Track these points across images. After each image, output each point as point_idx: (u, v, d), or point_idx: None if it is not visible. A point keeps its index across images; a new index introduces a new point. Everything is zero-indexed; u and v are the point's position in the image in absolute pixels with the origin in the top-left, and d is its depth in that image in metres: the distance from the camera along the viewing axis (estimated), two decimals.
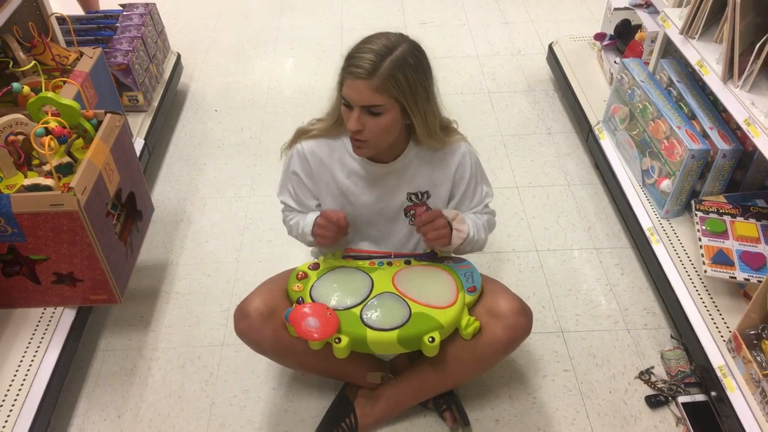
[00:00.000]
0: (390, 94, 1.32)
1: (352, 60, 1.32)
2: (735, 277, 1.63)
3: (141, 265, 2.09)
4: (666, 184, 1.92)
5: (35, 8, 2.15)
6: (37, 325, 1.67)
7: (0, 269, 1.61)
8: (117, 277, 1.68)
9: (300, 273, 1.54)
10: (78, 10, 3.02)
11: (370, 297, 1.48)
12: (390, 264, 1.58)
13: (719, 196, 1.89)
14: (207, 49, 3.33)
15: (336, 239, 1.52)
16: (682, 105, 2.00)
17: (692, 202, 1.86)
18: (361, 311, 1.44)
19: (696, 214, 1.81)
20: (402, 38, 1.36)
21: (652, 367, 1.77)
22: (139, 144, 2.32)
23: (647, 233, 1.95)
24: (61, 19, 2.31)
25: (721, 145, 1.80)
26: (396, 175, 1.52)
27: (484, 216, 1.63)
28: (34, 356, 1.59)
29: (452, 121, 1.57)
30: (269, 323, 1.46)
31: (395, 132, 1.41)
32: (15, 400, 1.50)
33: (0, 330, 1.66)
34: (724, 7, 1.74)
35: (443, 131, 1.50)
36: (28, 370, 1.56)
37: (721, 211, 1.81)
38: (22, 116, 1.61)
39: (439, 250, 1.60)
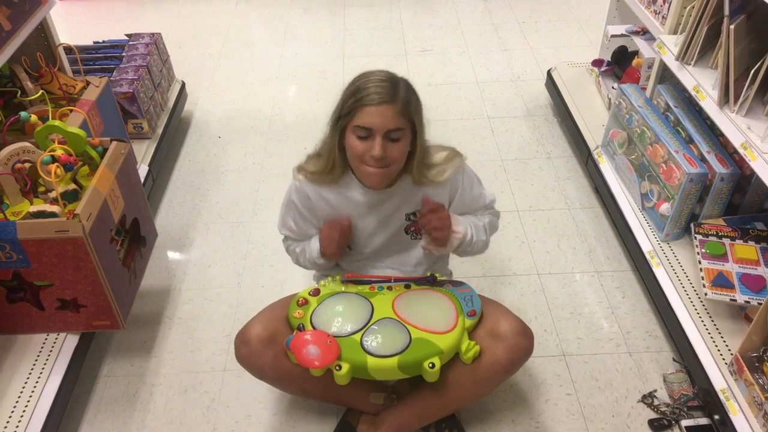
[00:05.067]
0: (408, 117, 1.38)
1: (365, 91, 1.35)
2: (735, 300, 1.64)
3: (144, 291, 2.10)
4: (665, 208, 1.94)
5: (43, 39, 2.20)
6: (40, 351, 1.68)
7: (4, 295, 1.62)
8: (120, 303, 1.69)
9: (300, 299, 1.55)
10: (85, 41, 3.07)
11: (370, 323, 1.49)
12: (390, 289, 1.59)
13: (718, 219, 1.90)
14: (211, 77, 3.38)
15: (342, 241, 1.54)
16: (680, 129, 2.03)
17: (691, 225, 1.88)
18: (362, 338, 1.45)
19: (695, 237, 1.82)
20: (390, 71, 1.43)
21: (655, 391, 1.76)
22: (143, 171, 2.35)
23: (647, 256, 1.96)
24: (68, 49, 2.36)
25: (719, 168, 1.82)
26: (394, 199, 1.54)
27: (486, 217, 1.64)
28: (37, 382, 1.60)
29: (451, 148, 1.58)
30: (269, 349, 1.47)
31: (405, 158, 1.45)
32: (17, 425, 1.50)
33: (3, 355, 1.66)
34: (718, 34, 1.78)
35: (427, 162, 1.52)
36: (31, 395, 1.56)
37: (720, 233, 1.82)
38: (30, 144, 1.64)
39: (437, 251, 1.58)
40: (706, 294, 1.66)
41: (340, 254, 1.60)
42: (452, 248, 1.55)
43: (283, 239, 1.72)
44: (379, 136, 1.36)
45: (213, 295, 2.12)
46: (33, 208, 1.53)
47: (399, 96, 1.36)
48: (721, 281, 1.68)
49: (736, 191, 1.89)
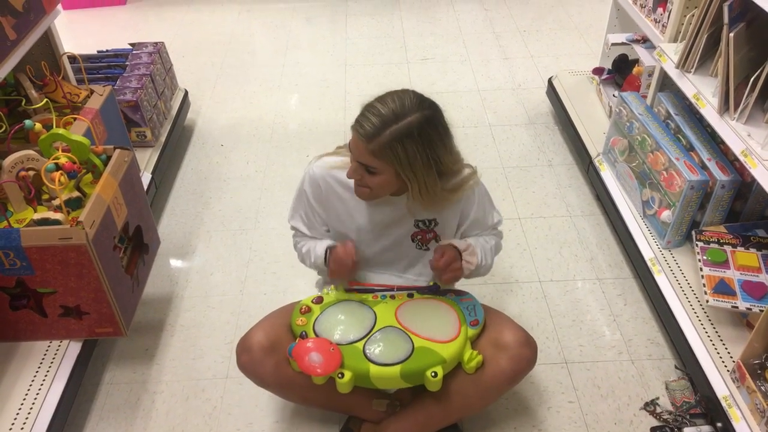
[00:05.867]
0: (386, 160, 1.34)
1: (361, 116, 1.35)
2: (737, 307, 1.64)
3: (146, 298, 2.10)
4: (666, 215, 1.94)
5: (48, 48, 2.21)
6: (43, 358, 1.68)
7: (7, 302, 1.63)
8: (123, 310, 1.70)
9: (303, 307, 1.56)
10: (89, 49, 3.09)
11: (373, 331, 1.49)
12: (393, 297, 1.59)
13: (719, 227, 1.90)
14: (214, 86, 3.40)
15: (349, 275, 1.57)
16: (680, 137, 2.04)
17: (693, 232, 1.88)
18: (364, 346, 1.45)
19: (697, 245, 1.83)
20: (418, 105, 1.34)
21: (657, 398, 1.76)
22: (146, 178, 2.36)
23: (649, 264, 1.96)
24: (73, 58, 2.38)
25: (720, 176, 1.82)
26: (404, 205, 1.54)
27: (492, 239, 1.64)
28: (39, 389, 1.60)
29: (468, 166, 1.56)
30: (271, 357, 1.47)
31: (394, 187, 1.44)
32: None
33: (6, 363, 1.67)
34: (718, 42, 1.79)
35: (451, 186, 1.48)
36: (33, 403, 1.57)
37: (721, 241, 1.83)
38: (34, 152, 1.65)
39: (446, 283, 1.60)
40: (707, 301, 1.66)
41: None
42: (462, 277, 1.57)
43: (293, 234, 1.70)
44: (354, 161, 1.39)
45: (215, 302, 2.13)
46: (37, 216, 1.54)
47: (377, 140, 1.31)
48: (722, 288, 1.68)
49: (737, 198, 1.89)
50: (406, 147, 1.32)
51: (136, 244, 1.88)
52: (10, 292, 1.61)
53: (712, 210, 1.89)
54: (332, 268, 1.56)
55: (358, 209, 1.55)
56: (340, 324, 1.51)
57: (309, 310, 1.55)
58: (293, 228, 1.67)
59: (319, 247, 1.59)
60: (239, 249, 2.34)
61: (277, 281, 2.19)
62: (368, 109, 1.35)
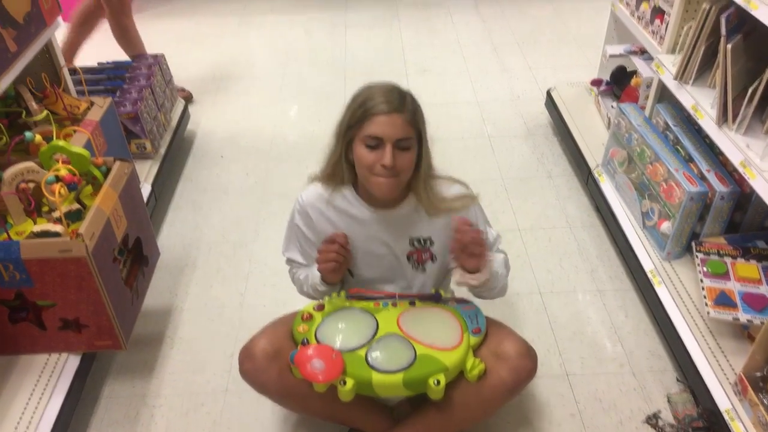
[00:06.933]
0: (416, 126, 1.41)
1: (374, 100, 1.38)
2: (738, 319, 1.63)
3: (146, 311, 2.09)
4: (666, 226, 1.94)
5: (48, 60, 2.22)
6: (42, 372, 1.67)
7: (6, 315, 1.62)
8: (122, 323, 1.69)
9: (305, 314, 1.55)
10: (89, 61, 3.10)
11: (375, 338, 1.48)
12: (395, 305, 1.59)
13: (719, 238, 1.91)
14: (214, 97, 3.41)
15: (340, 264, 1.50)
16: (679, 148, 2.04)
17: (693, 243, 1.88)
18: (367, 353, 1.44)
19: (697, 256, 1.83)
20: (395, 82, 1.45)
21: (660, 411, 1.75)
22: (146, 190, 2.36)
23: (649, 275, 1.96)
24: (73, 70, 2.38)
25: (719, 187, 1.83)
26: (399, 220, 1.54)
27: (499, 255, 1.63)
28: (38, 403, 1.59)
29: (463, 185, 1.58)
30: (274, 364, 1.47)
31: (413, 169, 1.46)
32: None
33: (5, 376, 1.66)
34: (716, 53, 1.80)
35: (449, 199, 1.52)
36: (32, 416, 1.55)
37: (721, 252, 1.83)
38: (34, 164, 1.65)
39: (474, 279, 1.48)
40: (708, 313, 1.66)
41: (341, 276, 1.58)
42: (488, 273, 1.47)
43: (289, 267, 1.71)
44: (389, 144, 1.38)
45: (214, 315, 2.12)
46: (37, 228, 1.53)
47: (407, 105, 1.39)
48: (723, 300, 1.67)
49: (736, 209, 1.89)
50: (421, 109, 1.44)
51: (136, 256, 1.88)
52: (10, 305, 1.61)
53: (712, 221, 1.89)
54: (320, 249, 1.49)
55: (351, 230, 1.55)
56: (342, 331, 1.50)
57: (311, 317, 1.55)
58: (288, 260, 1.68)
59: (316, 268, 1.58)
60: (239, 261, 2.34)
61: (276, 293, 2.18)
62: (374, 94, 1.39)
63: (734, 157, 1.66)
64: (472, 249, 1.43)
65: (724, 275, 1.75)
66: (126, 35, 3.02)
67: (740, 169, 1.63)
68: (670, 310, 1.83)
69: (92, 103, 2.13)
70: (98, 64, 2.87)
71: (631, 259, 2.10)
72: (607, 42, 2.82)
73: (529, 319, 2.07)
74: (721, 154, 1.82)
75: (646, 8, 2.34)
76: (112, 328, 1.66)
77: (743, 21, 1.74)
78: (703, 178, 1.89)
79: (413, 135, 1.41)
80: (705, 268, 1.78)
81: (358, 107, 1.40)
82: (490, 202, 2.55)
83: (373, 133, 1.38)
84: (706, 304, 1.68)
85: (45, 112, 1.95)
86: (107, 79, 2.70)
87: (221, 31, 4.18)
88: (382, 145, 1.38)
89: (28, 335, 1.66)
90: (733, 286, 1.72)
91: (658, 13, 2.23)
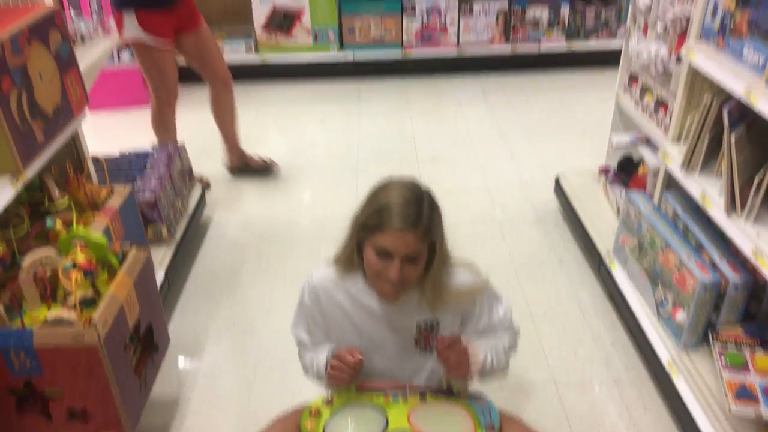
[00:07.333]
0: (429, 240, 1.39)
1: (389, 212, 1.36)
2: (761, 415, 1.58)
3: (153, 399, 2.05)
4: (681, 316, 1.92)
5: (73, 149, 2.30)
6: None
7: (14, 405, 1.60)
8: (129, 413, 1.66)
9: (313, 409, 1.52)
10: (112, 149, 3.22)
11: None
12: (405, 399, 1.55)
13: (736, 327, 1.87)
14: (230, 183, 3.50)
15: (351, 381, 1.50)
16: (690, 236, 2.04)
17: (709, 333, 1.85)
18: None
19: (714, 347, 1.79)
20: (418, 183, 1.44)
21: None
22: (160, 276, 2.38)
23: (666, 366, 1.91)
24: (96, 159, 2.47)
25: (732, 276, 1.82)
26: (405, 307, 1.53)
27: (505, 337, 1.60)
28: None
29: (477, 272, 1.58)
30: None
31: (422, 274, 1.46)
32: None
33: None
34: (720, 142, 1.83)
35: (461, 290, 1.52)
36: None
37: (739, 342, 1.79)
38: (53, 251, 1.68)
39: (456, 383, 1.57)
40: (730, 410, 1.60)
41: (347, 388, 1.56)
42: (472, 378, 1.50)
43: (297, 343, 1.70)
44: (398, 259, 1.37)
45: (222, 405, 2.08)
46: (50, 315, 1.54)
47: (422, 221, 1.37)
48: (744, 394, 1.63)
49: (751, 299, 1.87)
50: (438, 218, 1.43)
51: (146, 344, 1.87)
52: (18, 394, 1.59)
53: (728, 310, 1.87)
54: (334, 364, 1.48)
55: (359, 315, 1.55)
56: (351, 428, 1.46)
57: (318, 413, 1.51)
58: (297, 338, 1.67)
59: (321, 354, 1.57)
60: (248, 349, 2.32)
61: (285, 383, 2.15)
62: (391, 204, 1.37)
63: (745, 247, 1.66)
64: (456, 372, 1.47)
65: (744, 367, 1.71)
66: (164, 125, 3.20)
67: (752, 259, 1.63)
68: (690, 405, 1.77)
69: (113, 191, 2.20)
70: (120, 152, 2.97)
71: (646, 348, 2.06)
72: (613, 131, 2.88)
73: (544, 410, 2.01)
74: (732, 242, 1.83)
75: (649, 100, 2.42)
76: (119, 418, 1.63)
77: (744, 113, 1.79)
78: (715, 266, 1.88)
79: (425, 249, 1.40)
80: (724, 360, 1.74)
81: (373, 213, 1.39)
82: (501, 288, 2.49)
83: (384, 246, 1.38)
84: (728, 399, 1.63)
85: (67, 199, 2.01)
86: (128, 166, 2.79)
87: (239, 119, 4.34)
88: (391, 257, 1.39)
89: (34, 426, 1.63)
90: (754, 380, 1.67)
91: (662, 104, 2.31)
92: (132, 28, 2.83)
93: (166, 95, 3.09)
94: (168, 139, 3.18)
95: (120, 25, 2.87)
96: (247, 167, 3.49)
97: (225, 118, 3.37)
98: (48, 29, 1.86)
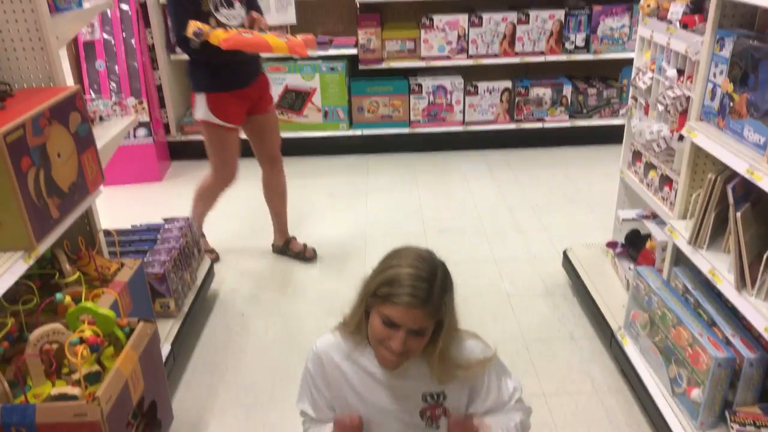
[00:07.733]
0: (437, 317, 1.38)
1: (400, 287, 1.35)
2: None
3: None
4: (696, 394, 1.87)
5: (86, 223, 2.34)
6: None
7: None
8: None
9: None
10: (124, 223, 3.27)
11: None
12: None
13: (754, 407, 1.82)
14: (238, 256, 3.52)
15: None
16: (701, 312, 2.02)
17: (726, 413, 1.79)
18: None
19: (732, 427, 1.73)
20: (433, 256, 1.43)
21: None
22: (165, 350, 2.36)
23: None
24: (107, 232, 2.51)
25: (746, 353, 1.78)
26: (411, 377, 1.51)
27: (516, 416, 1.56)
28: None
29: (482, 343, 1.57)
30: None
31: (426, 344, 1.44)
32: None
33: None
34: (727, 219, 1.84)
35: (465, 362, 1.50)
36: None
37: (758, 423, 1.74)
38: (60, 326, 1.68)
39: None
40: None
41: None
42: None
43: (302, 420, 1.66)
44: (403, 332, 1.37)
45: None
46: (54, 391, 1.53)
47: (432, 300, 1.35)
48: None
49: (767, 376, 1.83)
50: (449, 296, 1.41)
51: (149, 420, 1.84)
52: None
53: (744, 388, 1.82)
54: None
55: (364, 385, 1.52)
56: None
57: None
58: (302, 412, 1.64)
59: (326, 429, 1.54)
60: (253, 426, 2.26)
61: None
62: (402, 279, 1.36)
63: (758, 323, 1.65)
64: None
65: None
66: (207, 200, 3.27)
67: (766, 335, 1.60)
68: None
69: (122, 264, 2.22)
70: (131, 226, 3.01)
71: (663, 429, 2.00)
72: (618, 206, 2.91)
73: None
74: (744, 318, 1.80)
75: (654, 176, 2.46)
76: None
77: (749, 190, 1.81)
78: (728, 343, 1.85)
79: (432, 324, 1.39)
80: None
81: (383, 283, 1.38)
82: (511, 362, 2.45)
83: (391, 318, 1.37)
84: None
85: (77, 273, 2.03)
86: (139, 240, 2.82)
87: (247, 194, 4.39)
88: (396, 328, 1.38)
89: None
90: None
91: (667, 181, 2.34)
92: (202, 108, 2.89)
93: (223, 174, 3.16)
94: (202, 213, 3.24)
95: (192, 104, 2.96)
96: (288, 250, 3.48)
97: (274, 198, 3.42)
98: (68, 110, 1.94)
